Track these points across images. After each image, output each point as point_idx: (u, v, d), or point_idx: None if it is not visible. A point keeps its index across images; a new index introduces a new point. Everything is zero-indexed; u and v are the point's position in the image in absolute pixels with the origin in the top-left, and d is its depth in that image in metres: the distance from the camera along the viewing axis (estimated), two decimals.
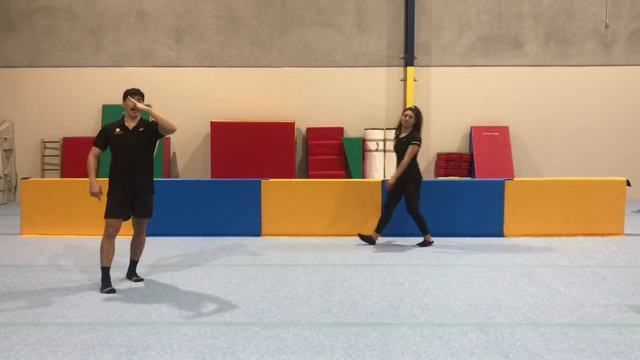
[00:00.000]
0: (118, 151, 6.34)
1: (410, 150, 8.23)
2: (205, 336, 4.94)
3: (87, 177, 6.47)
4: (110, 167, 6.41)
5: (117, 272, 6.78)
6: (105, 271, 6.31)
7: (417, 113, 8.43)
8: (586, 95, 13.63)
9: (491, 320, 5.34)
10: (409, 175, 8.30)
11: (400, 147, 8.41)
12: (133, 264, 6.75)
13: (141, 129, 6.42)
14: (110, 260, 6.34)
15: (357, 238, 8.76)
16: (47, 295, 6.13)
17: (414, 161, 8.30)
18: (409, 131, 8.40)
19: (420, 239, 8.57)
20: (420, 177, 8.45)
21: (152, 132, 6.45)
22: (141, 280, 6.63)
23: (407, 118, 8.38)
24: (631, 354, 4.59)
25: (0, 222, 10.65)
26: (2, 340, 4.84)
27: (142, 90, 6.63)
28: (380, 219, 8.56)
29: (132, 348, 4.69)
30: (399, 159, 8.42)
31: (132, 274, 6.70)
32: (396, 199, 8.49)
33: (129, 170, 6.34)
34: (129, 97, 6.38)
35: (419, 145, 8.31)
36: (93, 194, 6.30)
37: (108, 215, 6.32)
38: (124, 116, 6.47)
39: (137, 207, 6.43)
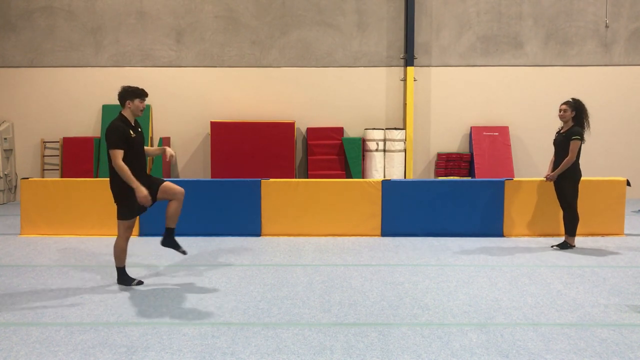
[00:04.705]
0: (131, 152, 6.26)
1: (572, 146, 8.06)
2: (205, 336, 4.94)
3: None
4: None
5: (112, 274, 6.78)
6: (124, 269, 6.48)
7: (574, 106, 8.21)
8: (586, 95, 13.52)
9: (491, 320, 5.35)
10: (568, 171, 8.14)
11: (559, 142, 8.27)
12: (171, 232, 6.56)
13: (140, 129, 6.52)
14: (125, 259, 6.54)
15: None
16: (47, 295, 6.13)
17: (576, 157, 8.12)
18: (569, 126, 8.24)
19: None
20: (580, 174, 8.23)
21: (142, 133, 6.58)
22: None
23: (562, 113, 8.24)
24: (631, 354, 4.60)
25: (0, 222, 10.65)
26: (2, 340, 4.85)
27: None
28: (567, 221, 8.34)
29: (132, 348, 4.69)
30: (557, 153, 8.30)
31: (174, 244, 6.57)
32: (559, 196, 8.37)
33: (141, 168, 6.38)
34: (137, 99, 6.32)
35: (581, 140, 8.13)
36: (143, 198, 6.16)
37: (130, 216, 6.32)
38: (122, 116, 6.34)
39: (154, 183, 6.42)
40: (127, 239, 6.41)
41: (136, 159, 6.30)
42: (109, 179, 6.44)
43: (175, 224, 6.57)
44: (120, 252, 6.43)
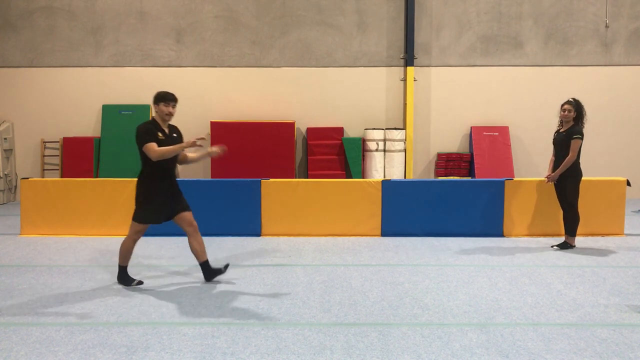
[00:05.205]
0: None
1: (573, 145, 8.06)
2: (205, 336, 4.94)
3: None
4: (148, 172, 6.28)
5: (112, 273, 6.78)
6: (125, 269, 6.50)
7: (576, 106, 8.21)
8: (586, 95, 13.55)
9: (491, 320, 5.35)
10: (569, 171, 8.13)
11: (559, 141, 8.25)
12: (206, 264, 6.58)
13: (174, 135, 6.47)
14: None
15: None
16: (47, 295, 6.13)
17: (576, 156, 8.14)
18: (569, 125, 8.23)
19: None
20: (581, 174, 8.23)
21: (182, 139, 6.53)
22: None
23: (566, 113, 8.21)
24: (631, 354, 4.60)
25: (0, 222, 10.65)
26: (2, 340, 4.85)
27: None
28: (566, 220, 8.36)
29: (132, 348, 4.69)
30: (557, 153, 8.29)
31: (214, 272, 6.57)
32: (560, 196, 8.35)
33: (169, 175, 6.37)
34: (162, 103, 6.32)
35: (582, 139, 8.13)
36: (192, 143, 6.11)
37: (145, 220, 6.30)
38: (152, 119, 6.38)
39: (179, 205, 6.40)
40: (135, 241, 6.43)
41: (164, 163, 6.25)
42: (137, 179, 6.41)
43: (205, 255, 6.57)
44: (125, 252, 6.45)
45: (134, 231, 6.35)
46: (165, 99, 6.36)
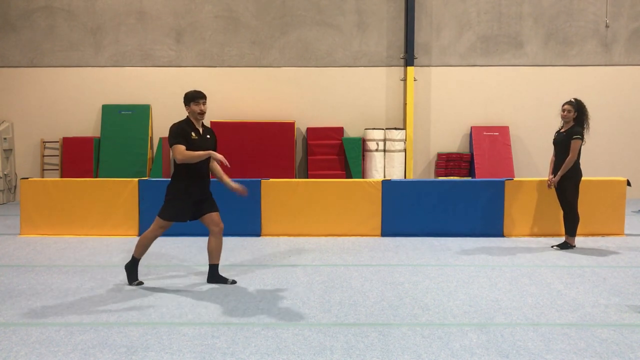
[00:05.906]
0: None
1: (573, 146, 8.05)
2: (205, 336, 4.94)
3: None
4: (181, 172, 6.26)
5: (112, 273, 6.78)
6: (137, 263, 6.45)
7: (577, 106, 8.20)
8: (586, 95, 13.52)
9: (491, 320, 5.34)
10: (569, 172, 8.12)
11: (560, 141, 8.24)
12: (215, 268, 6.56)
13: (208, 136, 6.45)
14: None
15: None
16: (47, 295, 6.13)
17: (576, 157, 8.13)
18: (569, 125, 8.23)
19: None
20: (581, 174, 8.21)
21: (215, 142, 6.52)
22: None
23: (565, 113, 8.22)
24: (631, 354, 4.59)
25: (0, 222, 10.65)
26: (2, 340, 4.84)
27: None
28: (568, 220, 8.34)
29: (132, 348, 4.69)
30: (557, 153, 8.28)
31: (218, 278, 6.55)
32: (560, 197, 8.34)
33: (202, 176, 6.33)
34: (192, 103, 6.32)
35: (582, 140, 8.12)
36: (222, 160, 6.07)
37: (170, 218, 6.27)
38: (187, 118, 6.38)
39: (207, 206, 6.37)
40: (155, 237, 6.41)
41: (198, 166, 6.22)
42: (170, 177, 6.42)
43: (217, 260, 6.52)
44: (143, 245, 6.43)
45: (158, 226, 6.33)
46: (194, 98, 6.35)
